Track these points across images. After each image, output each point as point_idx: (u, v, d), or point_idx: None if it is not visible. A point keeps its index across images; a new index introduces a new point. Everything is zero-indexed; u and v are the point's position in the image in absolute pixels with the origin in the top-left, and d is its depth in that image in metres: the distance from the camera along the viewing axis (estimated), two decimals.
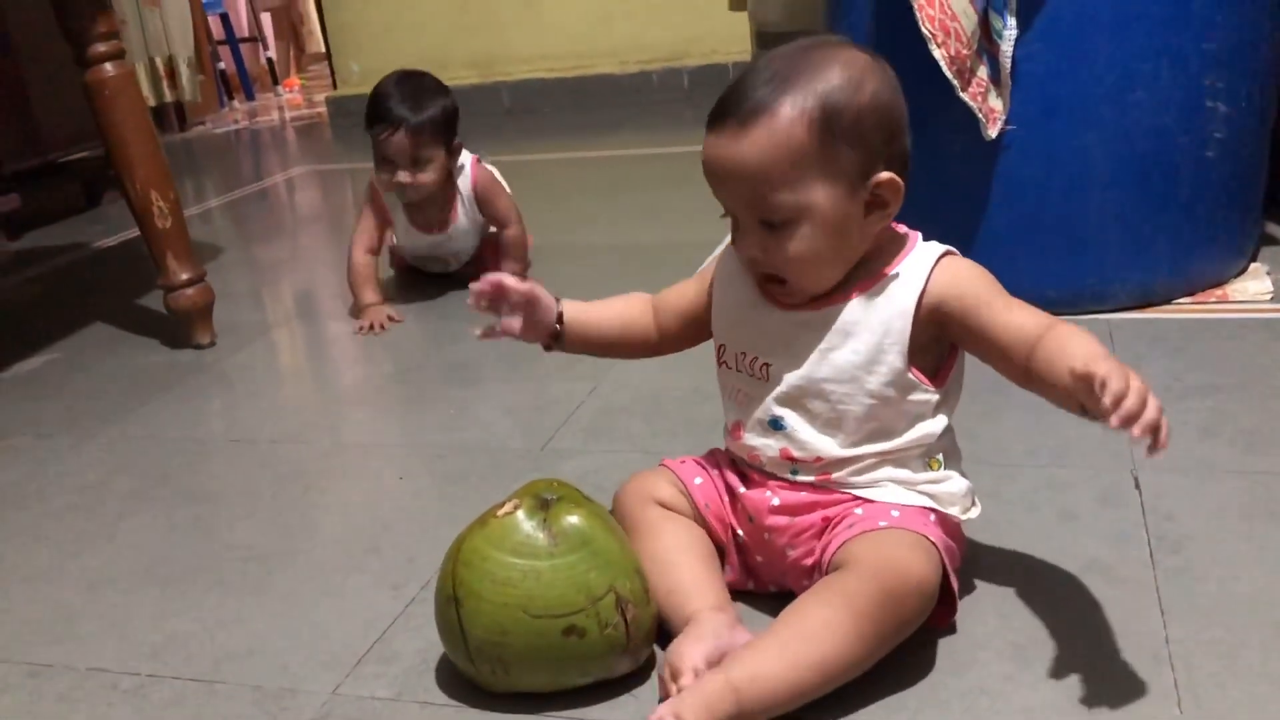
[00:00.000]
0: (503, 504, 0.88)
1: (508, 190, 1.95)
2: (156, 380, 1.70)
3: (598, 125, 3.71)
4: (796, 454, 0.91)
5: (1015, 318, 0.86)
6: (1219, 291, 1.57)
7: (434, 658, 0.93)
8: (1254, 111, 1.51)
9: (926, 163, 1.58)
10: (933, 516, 0.89)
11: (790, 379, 0.90)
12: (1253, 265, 1.64)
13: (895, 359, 0.88)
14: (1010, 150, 1.49)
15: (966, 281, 0.88)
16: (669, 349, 1.05)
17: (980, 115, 1.44)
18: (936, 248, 0.91)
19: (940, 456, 0.92)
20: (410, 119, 1.76)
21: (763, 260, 0.88)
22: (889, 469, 0.90)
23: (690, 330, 1.02)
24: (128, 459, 1.42)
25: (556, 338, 1.01)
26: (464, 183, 1.88)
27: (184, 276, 1.79)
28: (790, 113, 0.83)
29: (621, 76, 4.05)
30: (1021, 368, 0.84)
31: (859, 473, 0.90)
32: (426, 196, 1.83)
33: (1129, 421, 0.71)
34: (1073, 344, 0.80)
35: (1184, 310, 1.53)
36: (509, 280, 0.97)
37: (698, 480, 0.96)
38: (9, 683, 0.97)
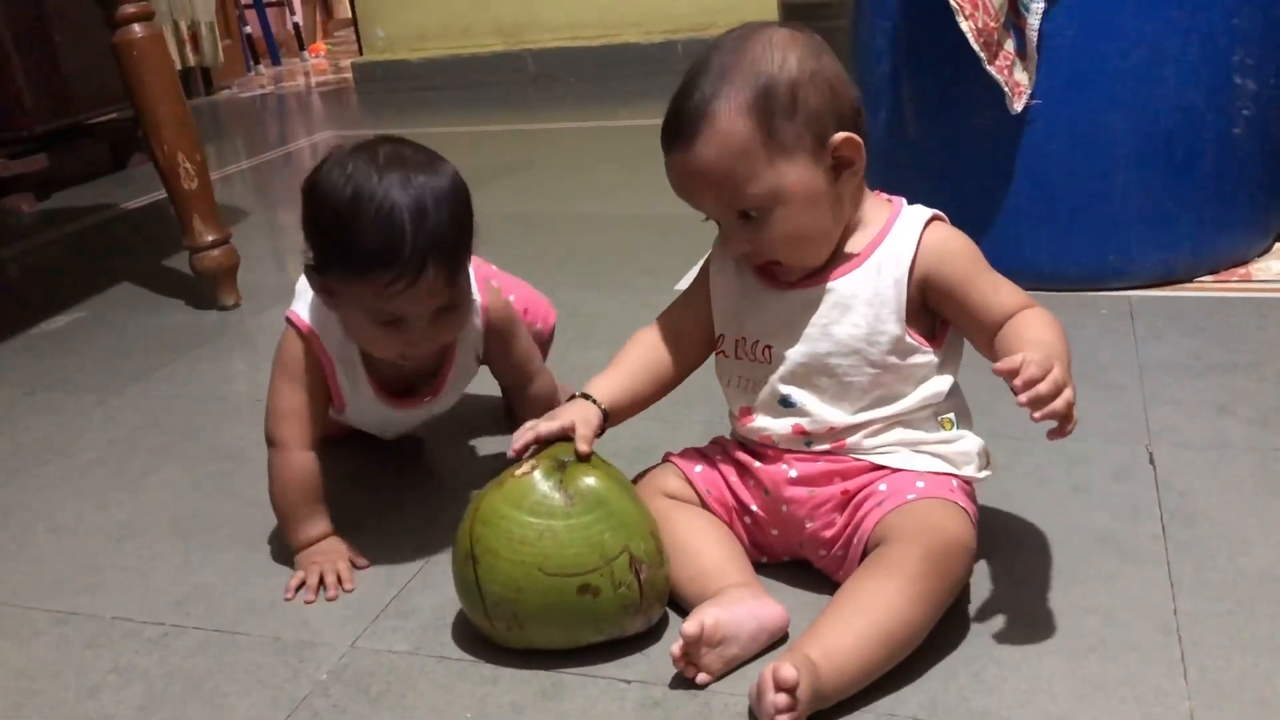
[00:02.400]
0: (521, 464, 0.89)
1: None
2: (182, 340, 1.72)
3: (622, 95, 3.70)
4: (809, 428, 0.92)
5: (996, 298, 0.89)
6: (1242, 271, 1.57)
7: (451, 613, 0.94)
8: None
9: (951, 135, 1.58)
10: (955, 483, 0.90)
11: (794, 357, 0.91)
12: (1277, 244, 1.63)
13: (893, 327, 0.89)
14: (1035, 124, 1.48)
15: (955, 256, 0.90)
16: (703, 359, 1.01)
17: (1006, 89, 1.43)
18: (922, 213, 0.92)
19: (952, 416, 0.93)
20: (437, 240, 0.93)
21: (753, 252, 0.90)
22: (900, 430, 0.91)
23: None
24: (153, 416, 1.44)
25: (603, 427, 0.97)
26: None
27: (210, 238, 1.81)
28: (725, 111, 0.85)
29: (647, 46, 4.03)
30: (988, 342, 0.89)
31: (871, 435, 0.91)
32: None
33: (1035, 404, 0.76)
34: (1030, 330, 0.85)
35: (1206, 288, 1.53)
36: (545, 428, 0.91)
37: (698, 469, 0.98)
38: (38, 628, 0.99)
